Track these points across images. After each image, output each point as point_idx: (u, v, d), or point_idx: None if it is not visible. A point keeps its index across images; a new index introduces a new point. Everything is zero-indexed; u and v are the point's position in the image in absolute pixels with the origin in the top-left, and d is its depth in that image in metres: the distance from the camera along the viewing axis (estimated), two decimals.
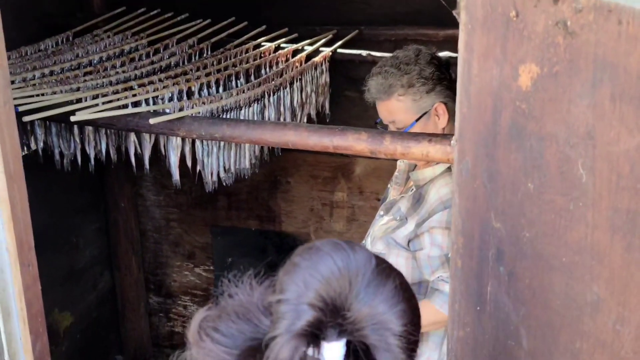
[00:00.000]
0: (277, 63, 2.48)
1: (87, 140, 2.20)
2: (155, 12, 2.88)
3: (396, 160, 2.13)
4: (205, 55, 2.56)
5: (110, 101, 1.99)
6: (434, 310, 1.84)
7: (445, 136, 1.57)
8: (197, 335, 0.79)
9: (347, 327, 0.75)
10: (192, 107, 1.97)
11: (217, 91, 2.22)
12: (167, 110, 1.94)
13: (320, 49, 2.63)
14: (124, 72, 2.28)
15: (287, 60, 2.50)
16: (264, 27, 2.80)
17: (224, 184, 2.23)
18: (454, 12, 1.02)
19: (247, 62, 2.43)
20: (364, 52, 2.74)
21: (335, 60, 2.68)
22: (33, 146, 2.20)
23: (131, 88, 2.13)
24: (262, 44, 2.63)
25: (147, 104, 2.03)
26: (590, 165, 0.88)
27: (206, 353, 0.78)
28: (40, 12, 2.88)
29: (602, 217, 0.88)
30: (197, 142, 2.08)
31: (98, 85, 2.17)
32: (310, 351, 0.74)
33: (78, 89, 2.13)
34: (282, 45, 2.64)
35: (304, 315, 0.74)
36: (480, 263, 1.08)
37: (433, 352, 1.97)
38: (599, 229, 0.89)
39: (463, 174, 1.08)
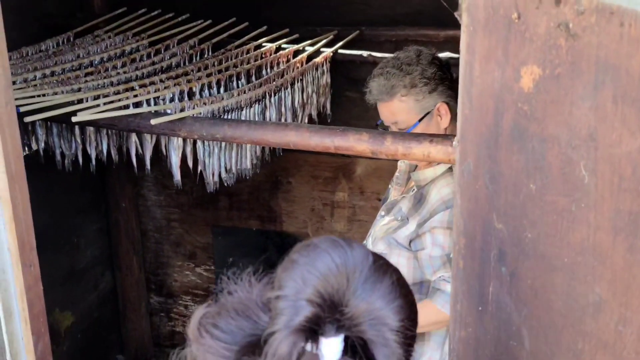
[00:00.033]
0: (278, 64, 2.48)
1: (89, 140, 2.20)
2: (156, 12, 2.88)
3: (397, 160, 2.14)
4: (206, 55, 2.56)
5: (112, 102, 1.99)
6: (435, 310, 1.85)
7: (446, 137, 1.57)
8: (197, 331, 0.80)
9: (344, 322, 0.76)
10: (194, 108, 1.97)
11: (218, 92, 2.22)
12: (169, 111, 1.94)
13: (321, 49, 2.63)
14: (125, 72, 2.29)
15: (288, 60, 2.50)
16: (264, 27, 2.80)
17: (225, 184, 2.23)
18: (456, 14, 1.03)
19: (248, 62, 2.44)
20: (364, 53, 2.75)
21: (336, 61, 2.68)
22: (34, 146, 2.20)
23: (132, 89, 2.13)
24: (263, 44, 2.63)
25: (149, 104, 2.04)
26: (593, 167, 0.88)
27: (206, 349, 0.79)
28: (40, 12, 2.88)
29: (604, 219, 0.89)
30: (199, 143, 2.09)
31: (99, 86, 2.18)
32: (308, 347, 0.75)
33: (79, 90, 2.13)
34: (283, 45, 2.64)
35: (302, 311, 0.75)
36: (482, 264, 1.08)
37: (435, 352, 1.97)
38: (601, 230, 0.89)
39: (465, 175, 1.08)
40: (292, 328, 0.74)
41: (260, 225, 3.38)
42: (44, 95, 2.05)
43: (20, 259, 1.43)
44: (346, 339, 0.76)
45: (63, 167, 2.26)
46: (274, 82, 2.27)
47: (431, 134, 1.65)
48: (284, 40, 2.70)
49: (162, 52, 2.51)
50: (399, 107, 1.91)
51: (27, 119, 1.91)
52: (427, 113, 1.91)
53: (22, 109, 1.87)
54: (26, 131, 2.13)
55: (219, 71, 2.33)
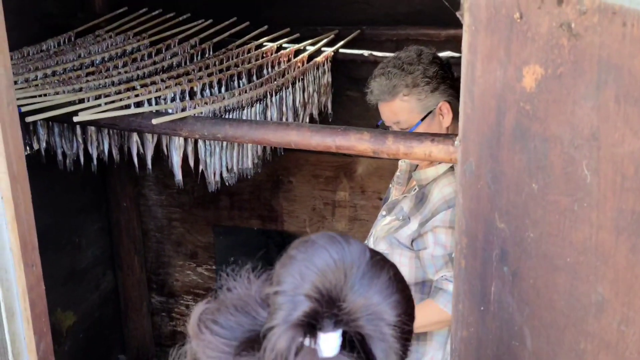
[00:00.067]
0: (279, 63, 2.48)
1: (90, 140, 2.21)
2: (157, 12, 2.88)
3: (398, 160, 2.14)
4: (207, 55, 2.56)
5: (113, 101, 1.99)
6: (437, 310, 1.85)
7: (447, 136, 1.57)
8: (196, 327, 0.81)
9: (342, 317, 0.76)
10: (195, 107, 1.97)
11: (220, 91, 2.22)
12: (170, 111, 1.95)
13: (322, 49, 2.63)
14: (126, 72, 2.29)
15: (289, 60, 2.50)
16: (265, 27, 2.80)
17: (227, 183, 2.23)
18: (458, 14, 1.03)
19: (249, 62, 2.44)
20: (365, 52, 2.75)
21: (337, 60, 2.68)
22: (36, 146, 2.21)
23: (133, 88, 2.13)
24: (264, 44, 2.63)
25: (150, 104, 2.04)
26: (595, 166, 0.88)
27: (206, 345, 0.80)
28: (41, 12, 2.88)
29: (606, 218, 0.89)
30: (200, 142, 2.09)
31: (100, 86, 2.18)
32: (306, 341, 0.75)
33: (80, 90, 2.13)
34: (284, 45, 2.64)
35: (300, 306, 0.75)
36: (484, 263, 1.08)
37: (437, 352, 1.97)
38: (604, 230, 0.89)
39: (467, 175, 1.08)
40: (290, 323, 0.75)
41: (262, 224, 3.38)
42: (45, 95, 2.05)
43: (22, 259, 1.44)
44: (344, 334, 0.77)
45: (64, 167, 2.26)
46: (275, 82, 2.27)
47: (433, 133, 1.64)
48: (285, 39, 2.70)
49: (163, 51, 2.51)
50: (400, 106, 1.90)
51: (29, 119, 1.91)
52: (429, 112, 1.91)
53: (23, 109, 1.88)
54: (28, 131, 2.14)
55: (220, 71, 2.33)
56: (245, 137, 1.76)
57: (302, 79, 2.41)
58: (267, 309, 0.79)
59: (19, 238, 1.42)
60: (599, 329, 0.93)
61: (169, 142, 2.10)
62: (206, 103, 2.01)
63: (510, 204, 1.01)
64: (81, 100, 2.01)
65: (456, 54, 2.55)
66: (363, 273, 0.79)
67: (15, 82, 2.12)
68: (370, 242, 2.05)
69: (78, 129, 2.18)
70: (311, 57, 2.53)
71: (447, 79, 1.93)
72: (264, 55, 2.52)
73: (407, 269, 1.93)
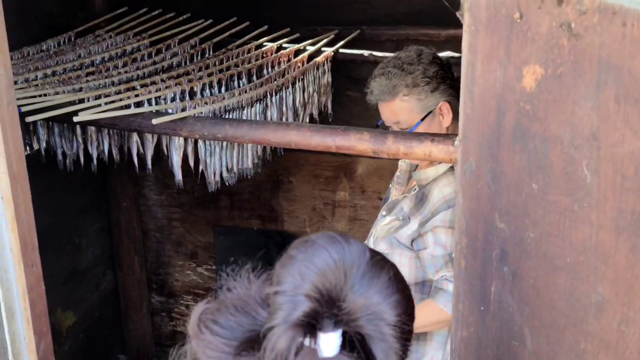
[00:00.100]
0: (279, 63, 2.48)
1: (90, 140, 2.21)
2: (157, 12, 2.88)
3: (398, 159, 2.14)
4: (207, 55, 2.56)
5: (113, 101, 1.99)
6: (437, 310, 1.85)
7: (447, 136, 1.57)
8: (196, 327, 0.81)
9: (342, 317, 0.76)
10: (195, 107, 1.97)
11: (220, 91, 2.22)
12: (170, 111, 1.95)
13: (322, 49, 2.63)
14: (126, 72, 2.29)
15: (289, 60, 2.50)
16: (265, 27, 2.80)
17: (227, 183, 2.23)
18: (458, 14, 1.03)
19: (249, 62, 2.44)
20: (365, 52, 2.75)
21: (337, 60, 2.68)
22: (36, 146, 2.21)
23: (134, 88, 2.13)
24: (264, 44, 2.64)
25: (150, 104, 2.04)
26: (595, 166, 0.88)
27: (206, 345, 0.80)
28: (41, 12, 2.88)
29: (606, 218, 0.89)
30: (200, 142, 2.09)
31: (100, 86, 2.18)
32: (307, 341, 0.75)
33: (80, 90, 2.13)
34: (284, 45, 2.64)
35: (300, 306, 0.75)
36: (484, 263, 1.08)
37: (437, 352, 1.97)
38: (604, 230, 0.89)
39: (467, 175, 1.08)
40: (290, 323, 0.75)
41: (262, 224, 3.38)
42: (45, 95, 2.05)
43: (22, 259, 1.44)
44: (344, 334, 0.77)
45: (64, 167, 2.26)
46: (275, 82, 2.27)
47: (432, 133, 1.65)
48: (285, 39, 2.70)
49: (163, 51, 2.51)
50: (401, 106, 1.91)
51: (29, 119, 1.91)
52: (430, 112, 1.91)
53: (23, 109, 1.88)
54: (28, 131, 2.14)
55: (220, 71, 2.33)
56: (245, 137, 1.76)
57: (302, 79, 2.41)
58: (267, 309, 0.79)
59: (19, 238, 1.42)
60: (599, 329, 0.94)
61: (169, 142, 2.10)
62: (206, 103, 2.01)
63: (510, 204, 1.01)
64: (81, 100, 2.01)
65: (456, 54, 2.55)
66: (363, 273, 0.79)
67: (16, 82, 2.12)
68: (370, 242, 2.05)
69: (78, 129, 2.18)
70: (311, 57, 2.53)
71: (447, 78, 1.93)
72: (264, 55, 2.52)
73: (407, 269, 1.93)
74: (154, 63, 2.40)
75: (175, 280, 3.65)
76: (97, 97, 2.04)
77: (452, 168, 1.92)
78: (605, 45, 0.83)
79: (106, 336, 3.63)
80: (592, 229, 0.91)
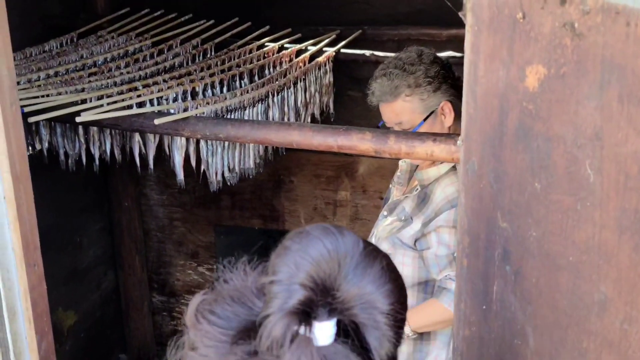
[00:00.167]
0: (280, 63, 2.48)
1: (92, 140, 2.21)
2: (159, 12, 2.89)
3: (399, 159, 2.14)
4: (209, 55, 2.56)
5: (115, 102, 2.00)
6: (441, 309, 1.85)
7: (449, 136, 1.57)
8: (194, 318, 0.82)
9: (336, 306, 0.77)
10: (197, 108, 1.97)
11: (221, 91, 2.23)
12: (172, 111, 1.95)
13: (324, 49, 2.63)
14: (128, 72, 2.29)
15: (290, 60, 2.50)
16: (267, 27, 2.81)
17: (229, 183, 2.23)
18: (460, 14, 1.03)
19: (251, 62, 2.44)
20: (367, 52, 2.75)
21: (338, 60, 2.68)
22: (38, 146, 2.21)
23: (136, 89, 2.13)
24: (266, 44, 2.64)
25: (152, 104, 2.04)
26: (598, 165, 0.88)
27: (203, 334, 0.81)
28: (44, 13, 2.89)
29: (609, 217, 0.89)
30: (202, 142, 2.09)
31: (103, 86, 2.18)
32: (302, 330, 0.76)
33: (83, 90, 2.13)
34: (285, 45, 2.64)
35: (295, 295, 0.77)
36: (487, 262, 1.08)
37: (441, 351, 1.97)
38: (607, 229, 0.89)
39: (469, 174, 1.08)
40: (285, 311, 0.76)
41: (263, 224, 3.38)
42: (47, 95, 2.05)
43: (24, 259, 1.44)
44: (338, 323, 0.78)
45: (66, 167, 2.26)
46: (277, 82, 2.27)
47: (434, 132, 1.65)
48: (287, 40, 2.70)
49: (165, 52, 2.51)
50: (403, 107, 1.91)
51: (31, 119, 1.92)
52: (432, 112, 1.91)
53: (26, 110, 1.88)
54: (30, 131, 2.14)
55: (222, 71, 2.33)
56: (247, 137, 1.76)
57: (304, 79, 2.41)
58: (263, 299, 0.80)
59: (21, 238, 1.43)
60: (602, 328, 0.94)
61: (171, 142, 2.10)
62: (208, 103, 2.01)
63: (512, 203, 1.01)
64: (83, 101, 2.01)
65: (458, 54, 2.55)
66: (356, 263, 0.81)
67: (18, 83, 2.12)
68: (372, 242, 2.05)
69: (80, 129, 2.18)
70: (313, 57, 2.53)
71: (448, 78, 1.93)
72: (266, 55, 2.52)
73: (410, 268, 1.93)
74: (156, 63, 2.40)
75: (177, 279, 3.65)
76: (100, 98, 2.04)
77: (454, 168, 1.92)
78: (609, 45, 0.83)
79: (107, 336, 3.63)
80: (595, 228, 0.91)
